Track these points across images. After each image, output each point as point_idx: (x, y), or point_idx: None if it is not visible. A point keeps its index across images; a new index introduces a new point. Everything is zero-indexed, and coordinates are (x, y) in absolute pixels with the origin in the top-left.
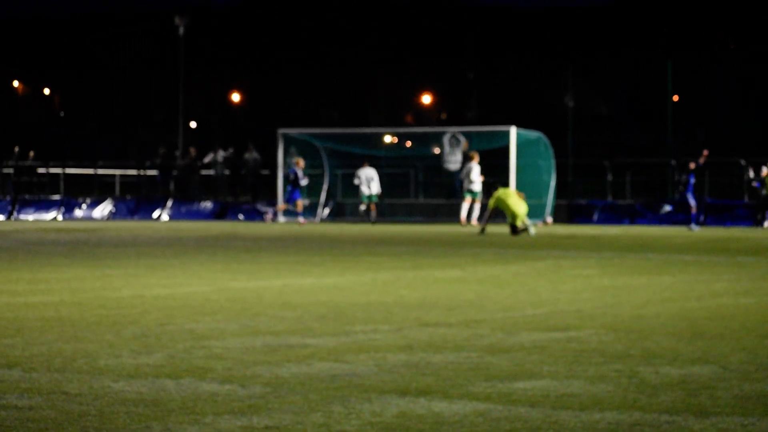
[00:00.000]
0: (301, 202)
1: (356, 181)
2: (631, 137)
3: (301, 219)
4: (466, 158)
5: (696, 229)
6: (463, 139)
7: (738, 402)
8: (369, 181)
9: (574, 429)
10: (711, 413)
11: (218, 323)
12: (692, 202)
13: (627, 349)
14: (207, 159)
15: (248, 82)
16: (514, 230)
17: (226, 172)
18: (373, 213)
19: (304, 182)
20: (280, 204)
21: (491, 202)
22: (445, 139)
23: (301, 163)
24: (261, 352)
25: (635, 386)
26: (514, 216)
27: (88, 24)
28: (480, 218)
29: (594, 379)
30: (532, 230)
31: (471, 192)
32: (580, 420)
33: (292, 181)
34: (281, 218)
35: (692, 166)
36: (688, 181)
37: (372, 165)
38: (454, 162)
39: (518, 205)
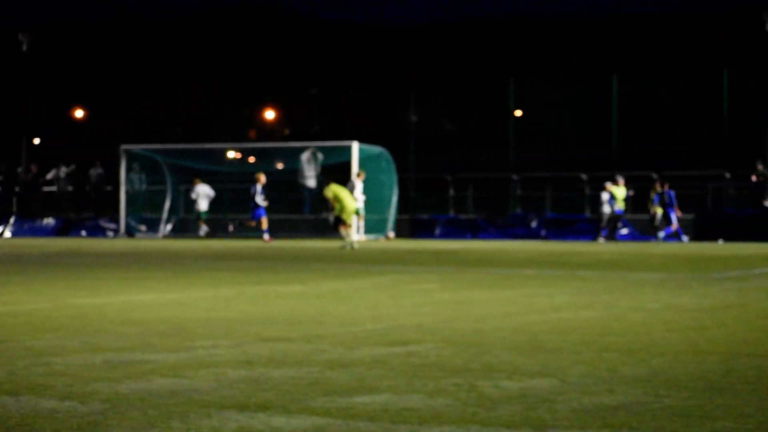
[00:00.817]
0: (265, 219)
1: (193, 196)
2: (474, 153)
3: (266, 236)
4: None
5: (685, 240)
6: (320, 156)
7: (576, 415)
8: (205, 197)
9: None
10: (550, 426)
11: (59, 340)
12: (673, 217)
13: (466, 363)
14: (50, 175)
15: (91, 98)
16: (338, 222)
17: (69, 188)
18: (205, 228)
19: (259, 199)
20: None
21: (328, 193)
22: (304, 157)
23: (262, 179)
24: (101, 368)
25: (474, 400)
26: (342, 209)
27: None
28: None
29: (433, 393)
30: (355, 244)
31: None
32: None
33: (252, 198)
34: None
35: (658, 186)
36: (669, 197)
37: (209, 181)
38: (310, 178)
39: (350, 200)
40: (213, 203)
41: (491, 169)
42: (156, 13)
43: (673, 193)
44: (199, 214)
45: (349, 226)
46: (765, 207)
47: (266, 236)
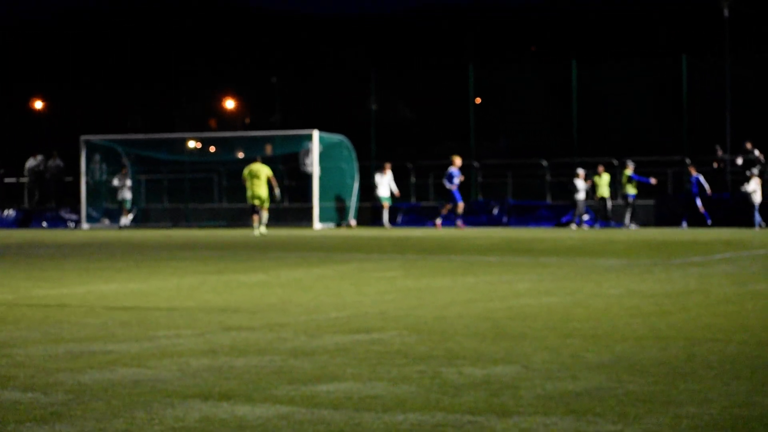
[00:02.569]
0: (462, 205)
1: (116, 183)
2: (435, 140)
3: (459, 222)
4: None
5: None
6: (310, 146)
7: (540, 401)
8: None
9: (376, 430)
10: (514, 413)
11: (20, 331)
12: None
13: (430, 350)
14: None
15: (50, 90)
16: (254, 210)
17: (24, 179)
18: (127, 218)
19: (449, 184)
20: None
21: (245, 171)
22: (302, 151)
23: (458, 162)
24: (63, 359)
25: (438, 387)
26: (254, 197)
27: None
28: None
29: (397, 380)
30: (263, 230)
31: (385, 197)
32: (383, 421)
33: (449, 181)
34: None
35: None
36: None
37: (171, 171)
38: (309, 165)
39: (262, 188)
40: (175, 192)
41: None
42: (114, 3)
43: (700, 177)
44: (122, 203)
45: (256, 213)
46: (729, 192)
47: (459, 222)
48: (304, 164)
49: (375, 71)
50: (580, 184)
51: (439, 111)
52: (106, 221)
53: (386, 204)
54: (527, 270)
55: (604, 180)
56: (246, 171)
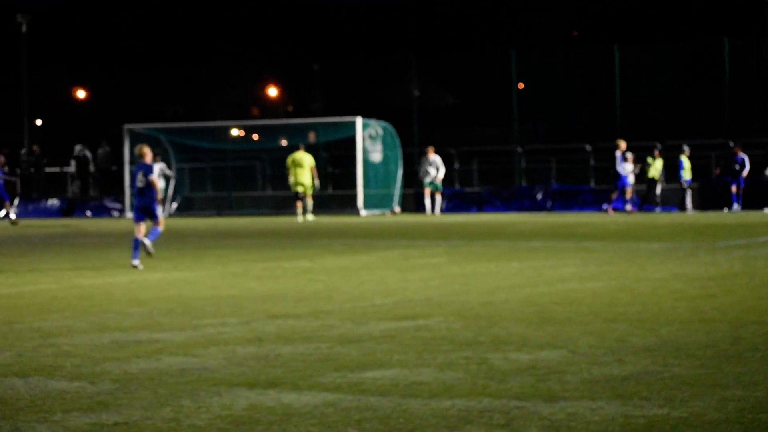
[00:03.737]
0: (630, 190)
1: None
2: (478, 126)
3: (628, 207)
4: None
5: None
6: (380, 131)
7: (586, 386)
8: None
9: (423, 417)
10: (560, 398)
11: (66, 321)
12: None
13: (476, 336)
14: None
15: (93, 78)
16: (297, 197)
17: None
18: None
19: (622, 168)
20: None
21: (289, 160)
22: (366, 134)
23: (623, 145)
24: (110, 348)
25: (484, 373)
26: (297, 184)
27: None
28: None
29: (443, 366)
30: (310, 217)
31: (431, 183)
32: (430, 408)
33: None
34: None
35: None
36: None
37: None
38: (375, 152)
39: (306, 176)
40: (218, 180)
41: (495, 142)
42: None
43: (745, 158)
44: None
45: (300, 200)
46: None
47: (629, 206)
48: (370, 151)
49: (416, 57)
50: (628, 167)
51: (480, 96)
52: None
53: (428, 190)
54: (572, 255)
55: (657, 164)
56: (289, 159)
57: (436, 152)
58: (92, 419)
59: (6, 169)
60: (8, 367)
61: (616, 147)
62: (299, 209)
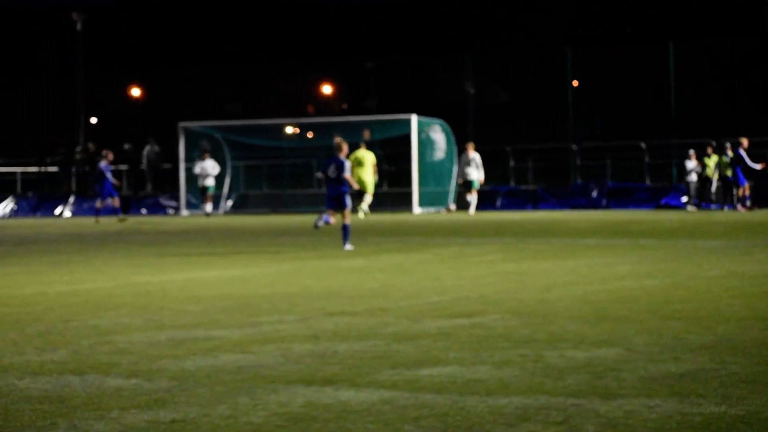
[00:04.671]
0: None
1: (197, 170)
2: (532, 123)
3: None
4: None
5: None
6: (439, 130)
7: (643, 383)
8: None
9: (480, 414)
10: (617, 395)
11: (122, 318)
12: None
13: (532, 334)
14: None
15: (148, 77)
16: (359, 194)
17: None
18: (210, 205)
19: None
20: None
21: (351, 158)
22: (430, 132)
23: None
24: (166, 345)
25: (541, 370)
26: (361, 183)
27: None
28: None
29: (500, 364)
30: (365, 208)
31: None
32: (487, 405)
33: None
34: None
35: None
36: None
37: (268, 157)
38: (439, 150)
39: (367, 174)
40: (273, 178)
41: (550, 140)
42: None
43: None
44: (205, 189)
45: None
46: None
47: (740, 205)
48: (435, 149)
49: (471, 54)
50: (691, 164)
51: (535, 93)
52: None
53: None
54: (627, 252)
55: (712, 161)
56: (351, 157)
57: (476, 150)
58: (149, 416)
59: (113, 167)
60: (65, 364)
61: (739, 144)
62: (358, 204)
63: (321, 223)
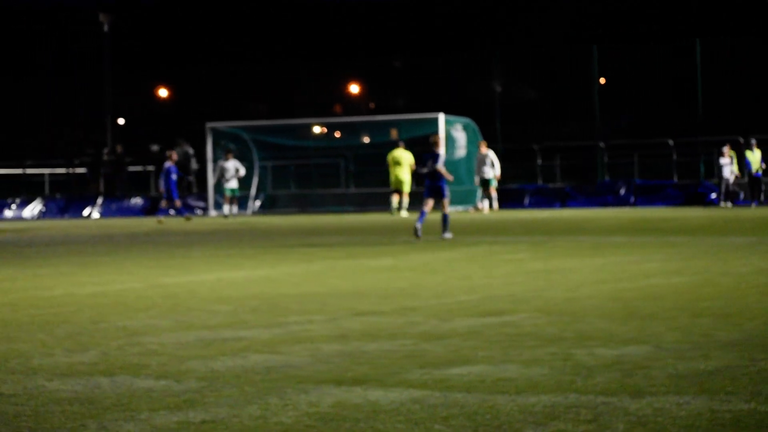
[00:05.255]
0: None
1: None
2: (560, 121)
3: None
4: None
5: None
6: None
7: (673, 381)
8: (235, 172)
9: (510, 413)
10: (646, 393)
11: (151, 319)
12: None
13: (561, 332)
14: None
15: (175, 77)
16: (395, 192)
17: (149, 168)
18: (228, 207)
19: None
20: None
21: (389, 157)
22: (452, 130)
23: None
24: (195, 346)
25: (570, 368)
26: (397, 181)
27: (7, 20)
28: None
29: (529, 362)
30: (404, 213)
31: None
32: (517, 404)
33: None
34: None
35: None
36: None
37: (296, 156)
38: (461, 148)
39: (404, 173)
40: (301, 178)
41: (577, 138)
42: None
43: None
44: (232, 191)
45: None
46: None
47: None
48: (456, 147)
49: (498, 52)
50: (724, 161)
51: (563, 91)
52: (234, 208)
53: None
54: (655, 250)
55: (756, 156)
56: (389, 157)
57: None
58: (179, 417)
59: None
60: (94, 366)
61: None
62: (395, 202)
63: (419, 225)
